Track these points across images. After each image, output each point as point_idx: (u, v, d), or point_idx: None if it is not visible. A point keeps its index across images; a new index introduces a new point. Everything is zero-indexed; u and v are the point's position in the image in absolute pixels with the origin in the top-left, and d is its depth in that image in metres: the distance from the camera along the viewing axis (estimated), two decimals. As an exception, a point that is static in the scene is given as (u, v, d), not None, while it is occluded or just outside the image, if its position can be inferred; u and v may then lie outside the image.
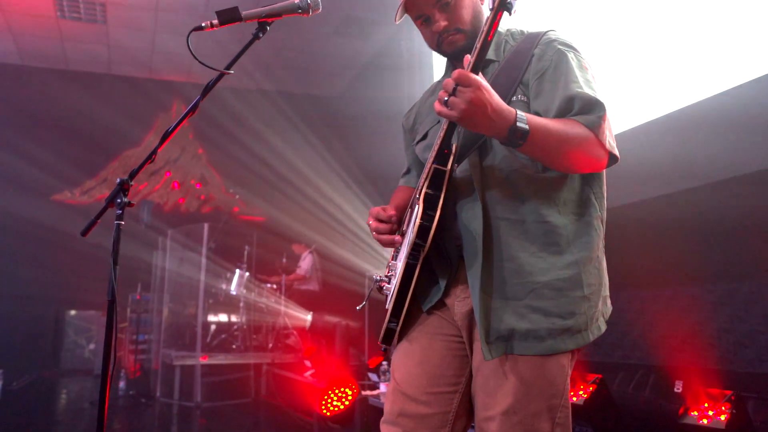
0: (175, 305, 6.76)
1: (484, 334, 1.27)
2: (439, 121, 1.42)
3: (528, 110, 1.30)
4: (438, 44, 1.43)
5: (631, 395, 2.66)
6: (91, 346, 7.66)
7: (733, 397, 1.88)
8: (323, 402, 3.39)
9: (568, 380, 1.32)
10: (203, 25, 1.40)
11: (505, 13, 1.12)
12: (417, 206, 1.32)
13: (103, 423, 1.63)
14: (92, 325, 7.87)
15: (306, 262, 6.96)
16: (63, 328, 7.84)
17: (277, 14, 1.43)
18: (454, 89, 1.13)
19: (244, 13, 1.41)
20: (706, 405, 1.89)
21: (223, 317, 6.78)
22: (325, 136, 8.08)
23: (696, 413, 1.90)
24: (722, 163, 2.51)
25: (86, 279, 7.07)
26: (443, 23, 1.37)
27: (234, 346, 6.35)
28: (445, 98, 1.14)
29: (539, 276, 1.28)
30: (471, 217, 1.33)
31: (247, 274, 6.71)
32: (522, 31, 1.44)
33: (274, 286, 6.76)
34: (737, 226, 2.60)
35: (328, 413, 3.36)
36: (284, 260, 6.94)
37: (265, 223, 8.54)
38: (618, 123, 3.18)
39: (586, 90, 1.27)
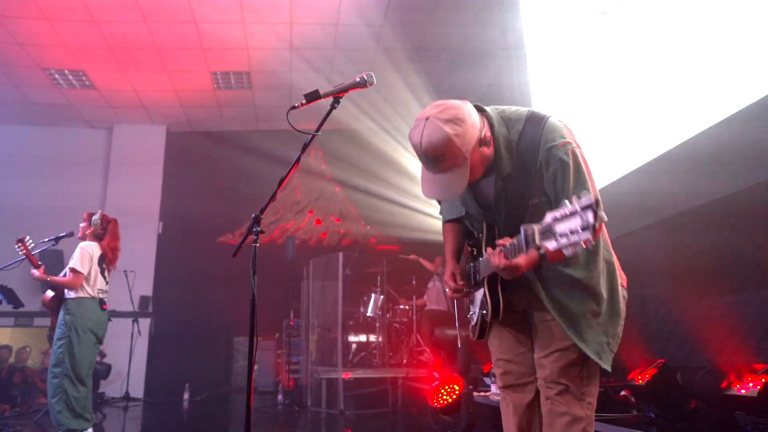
0: (321, 328, 7.61)
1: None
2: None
3: (548, 206, 1.75)
4: None
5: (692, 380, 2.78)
6: (255, 367, 8.76)
7: None
8: (434, 397, 3.86)
9: None
10: (296, 105, 2.03)
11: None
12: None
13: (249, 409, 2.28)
14: (255, 350, 9.00)
15: (436, 286, 7.48)
16: (232, 352, 9.08)
17: (344, 90, 2.02)
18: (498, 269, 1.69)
19: (322, 92, 2.02)
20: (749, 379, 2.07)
21: (362, 337, 7.50)
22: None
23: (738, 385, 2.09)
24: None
25: (248, 309, 8.20)
26: None
27: (373, 363, 7.01)
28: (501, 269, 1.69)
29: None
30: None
31: (382, 297, 7.38)
32: (515, 116, 1.86)
33: (407, 308, 7.36)
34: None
35: (438, 405, 3.83)
36: (414, 283, 7.51)
37: (399, 251, 9.23)
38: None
39: (583, 190, 1.68)
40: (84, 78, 7.83)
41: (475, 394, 3.97)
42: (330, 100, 2.06)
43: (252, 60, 7.59)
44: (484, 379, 4.52)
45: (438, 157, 1.66)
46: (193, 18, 6.62)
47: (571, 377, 1.79)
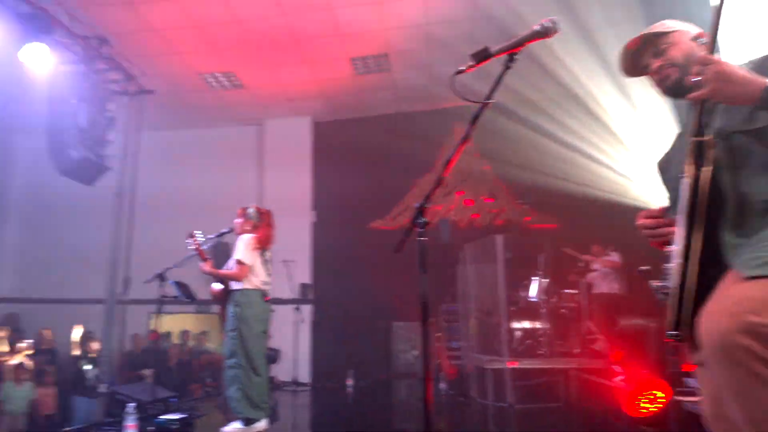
0: (481, 313, 7.21)
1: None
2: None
3: None
4: (658, 83, 1.61)
5: None
6: (415, 352, 8.65)
7: None
8: (633, 405, 3.29)
9: None
10: (462, 68, 1.64)
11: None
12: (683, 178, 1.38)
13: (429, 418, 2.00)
14: (414, 334, 8.88)
15: (599, 271, 6.78)
16: (391, 337, 9.03)
17: (521, 44, 1.59)
18: (700, 71, 1.26)
19: (493, 49, 1.61)
20: None
21: (526, 323, 6.97)
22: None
23: None
24: None
25: (406, 294, 8.06)
26: (657, 63, 1.60)
27: (540, 352, 6.48)
28: (694, 80, 1.27)
29: None
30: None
31: (546, 280, 6.80)
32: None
33: (575, 292, 6.71)
34: None
35: (639, 416, 3.26)
36: (580, 264, 6.84)
37: (557, 230, 8.53)
38: None
39: None
40: (233, 78, 8.12)
41: (680, 398, 3.32)
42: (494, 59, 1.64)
43: (390, 41, 7.33)
44: (686, 380, 3.80)
45: (660, 35, 1.58)
46: (329, 4, 6.49)
47: None
